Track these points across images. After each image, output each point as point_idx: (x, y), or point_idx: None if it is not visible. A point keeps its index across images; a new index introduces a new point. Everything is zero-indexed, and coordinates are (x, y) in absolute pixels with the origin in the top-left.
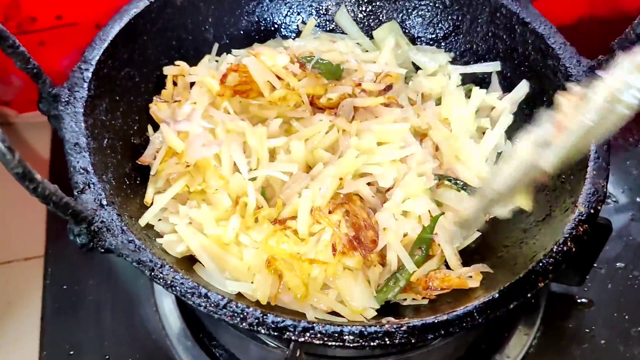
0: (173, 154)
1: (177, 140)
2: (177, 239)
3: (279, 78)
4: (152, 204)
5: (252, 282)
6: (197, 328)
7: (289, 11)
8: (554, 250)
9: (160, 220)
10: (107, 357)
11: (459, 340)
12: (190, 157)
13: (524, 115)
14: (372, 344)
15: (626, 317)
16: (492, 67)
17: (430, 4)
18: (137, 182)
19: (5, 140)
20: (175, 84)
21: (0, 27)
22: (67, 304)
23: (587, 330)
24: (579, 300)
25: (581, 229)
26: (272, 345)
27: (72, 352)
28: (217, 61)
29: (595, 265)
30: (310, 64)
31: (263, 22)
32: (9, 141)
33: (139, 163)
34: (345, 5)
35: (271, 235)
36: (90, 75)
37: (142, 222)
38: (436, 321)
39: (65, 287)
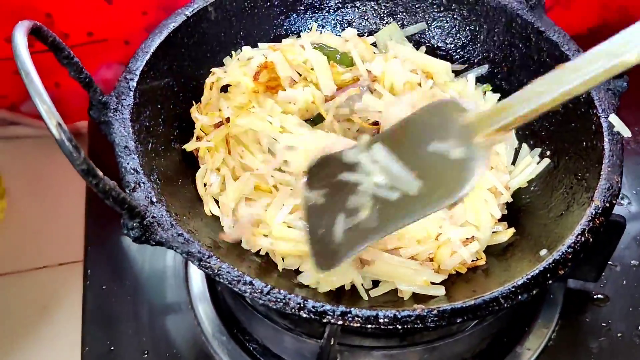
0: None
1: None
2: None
3: (299, 74)
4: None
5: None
6: (231, 324)
7: (314, 24)
8: (573, 240)
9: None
10: (146, 352)
11: (482, 332)
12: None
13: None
14: (405, 326)
15: None
16: (481, 70)
17: (449, 16)
18: (179, 183)
19: (72, 140)
20: (210, 88)
21: (58, 40)
22: (106, 303)
23: (603, 324)
24: (595, 296)
25: (597, 221)
26: (306, 336)
27: (112, 348)
28: (238, 59)
29: (610, 262)
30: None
31: (290, 33)
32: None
33: (185, 150)
34: (367, 19)
35: None
36: (135, 84)
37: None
38: (465, 305)
39: (104, 287)
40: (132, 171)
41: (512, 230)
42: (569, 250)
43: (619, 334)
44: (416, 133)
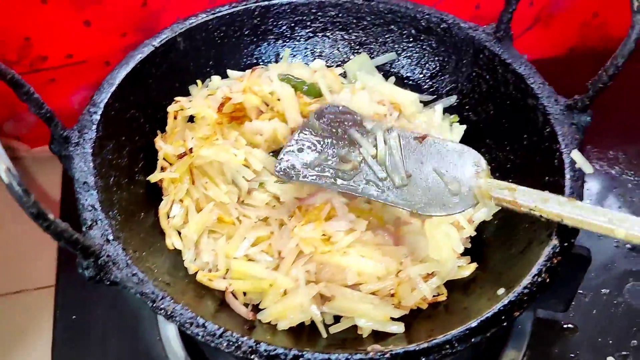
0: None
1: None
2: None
3: (265, 104)
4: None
5: None
6: (198, 356)
7: (286, 52)
8: (529, 281)
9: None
10: None
11: None
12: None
13: (507, 150)
14: None
15: (610, 341)
16: (449, 100)
17: (419, 46)
18: (141, 217)
19: (22, 184)
20: (175, 118)
21: (17, 77)
22: (76, 333)
23: (572, 355)
24: (564, 326)
25: (555, 261)
26: None
27: None
28: (207, 87)
29: (580, 291)
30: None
31: (261, 62)
32: (22, 180)
33: (150, 181)
34: (338, 49)
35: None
36: (98, 117)
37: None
38: (418, 349)
39: (74, 317)
40: (90, 208)
41: (474, 265)
42: (524, 292)
43: None
44: (433, 153)
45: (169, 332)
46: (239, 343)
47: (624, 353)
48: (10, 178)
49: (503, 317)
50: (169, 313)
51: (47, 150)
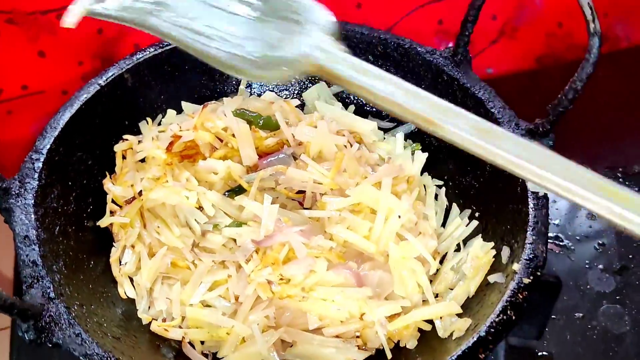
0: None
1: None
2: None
3: (219, 139)
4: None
5: None
6: None
7: (240, 83)
8: (494, 320)
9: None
10: None
11: None
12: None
13: (470, 176)
14: None
15: None
16: (409, 127)
17: None
18: (91, 265)
19: None
20: (124, 157)
21: None
22: None
23: None
24: (538, 353)
25: (521, 296)
26: None
27: None
28: (161, 123)
29: (553, 316)
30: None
31: (216, 94)
32: None
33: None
34: (296, 78)
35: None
36: (40, 165)
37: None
38: None
39: None
40: (31, 264)
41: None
42: (490, 331)
43: None
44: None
45: None
46: None
47: None
48: None
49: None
50: None
51: None
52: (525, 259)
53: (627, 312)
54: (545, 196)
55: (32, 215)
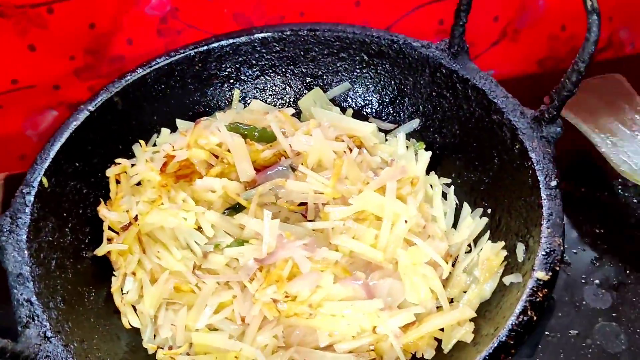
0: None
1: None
2: None
3: (215, 156)
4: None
5: None
6: None
7: (236, 95)
8: (514, 323)
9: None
10: None
11: None
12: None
13: (478, 171)
14: None
15: None
16: (412, 125)
17: (373, 71)
18: (91, 297)
19: None
20: (118, 182)
21: None
22: None
23: None
24: None
25: (541, 295)
26: None
27: None
28: (154, 144)
29: (547, 332)
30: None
31: (210, 109)
32: None
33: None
34: (289, 84)
35: None
36: (32, 198)
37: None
38: None
39: None
40: (26, 303)
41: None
42: (511, 334)
43: None
44: None
45: None
46: None
47: None
48: None
49: None
50: None
51: None
52: (542, 254)
53: (623, 331)
54: (558, 186)
55: (26, 252)
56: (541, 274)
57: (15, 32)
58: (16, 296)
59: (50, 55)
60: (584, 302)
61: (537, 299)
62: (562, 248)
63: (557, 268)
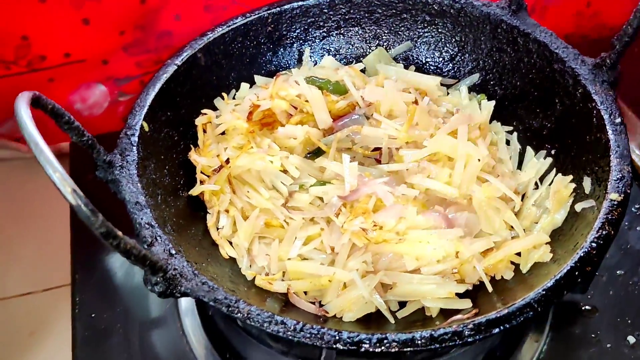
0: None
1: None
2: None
3: (294, 107)
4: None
5: None
6: (224, 349)
7: (303, 56)
8: (595, 235)
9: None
10: None
11: (476, 349)
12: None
13: (540, 117)
14: (443, 344)
15: (629, 321)
16: (472, 79)
17: (434, 30)
18: (192, 231)
19: (89, 204)
20: (204, 131)
21: (58, 107)
22: (96, 331)
23: (592, 335)
24: (583, 308)
25: (616, 213)
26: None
27: None
28: (235, 97)
29: (597, 273)
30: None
31: (280, 68)
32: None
33: (191, 195)
34: (354, 44)
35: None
36: (136, 139)
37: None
38: (499, 315)
39: (93, 315)
40: (147, 226)
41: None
42: (592, 246)
43: (608, 345)
44: None
45: (192, 326)
46: (321, 334)
47: None
48: (77, 200)
49: (577, 274)
50: (245, 315)
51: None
52: (614, 179)
53: None
54: (623, 122)
55: (138, 184)
56: (615, 195)
57: (71, 5)
58: (138, 220)
59: (102, 30)
60: (629, 246)
61: (613, 217)
62: (631, 175)
63: (628, 191)
